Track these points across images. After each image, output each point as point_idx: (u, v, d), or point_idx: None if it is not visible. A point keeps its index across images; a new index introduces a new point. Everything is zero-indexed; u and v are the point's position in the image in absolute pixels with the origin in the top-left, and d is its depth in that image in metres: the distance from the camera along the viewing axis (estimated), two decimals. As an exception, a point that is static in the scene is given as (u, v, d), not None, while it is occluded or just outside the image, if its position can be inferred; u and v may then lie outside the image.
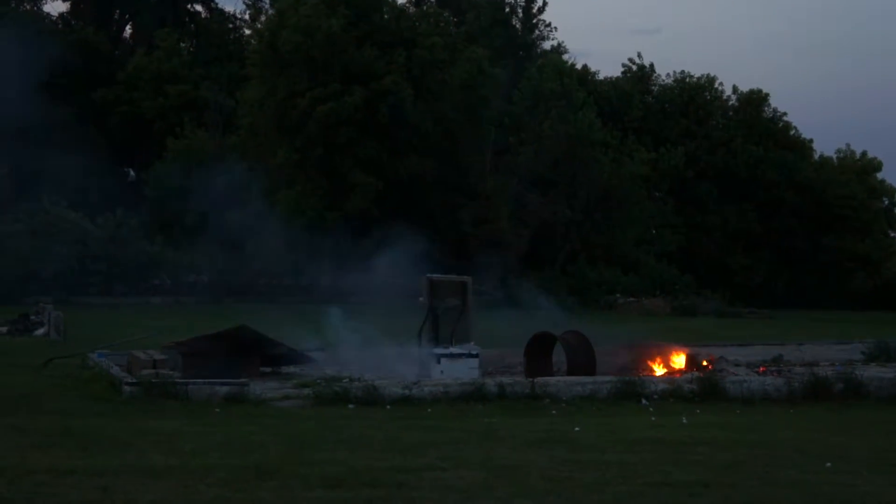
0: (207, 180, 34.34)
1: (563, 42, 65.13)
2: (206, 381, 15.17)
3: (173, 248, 42.81)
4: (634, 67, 61.81)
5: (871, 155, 61.82)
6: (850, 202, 58.17)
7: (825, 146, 72.74)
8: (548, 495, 9.09)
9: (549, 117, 49.80)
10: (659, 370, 18.44)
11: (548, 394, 15.37)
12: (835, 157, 61.98)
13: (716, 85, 60.48)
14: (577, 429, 12.72)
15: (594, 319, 28.91)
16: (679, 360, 18.89)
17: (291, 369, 18.50)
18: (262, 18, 55.34)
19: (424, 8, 55.05)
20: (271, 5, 55.44)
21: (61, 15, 62.31)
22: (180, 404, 14.31)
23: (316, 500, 8.80)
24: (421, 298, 19.57)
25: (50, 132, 51.00)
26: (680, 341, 20.70)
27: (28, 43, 48.05)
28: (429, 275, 20.12)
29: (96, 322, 28.37)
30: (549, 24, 64.56)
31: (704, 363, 18.46)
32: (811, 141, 61.33)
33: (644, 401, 15.35)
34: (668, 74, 61.48)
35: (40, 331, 26.24)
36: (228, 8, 77.22)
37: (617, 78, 61.38)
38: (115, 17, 64.24)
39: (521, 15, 63.66)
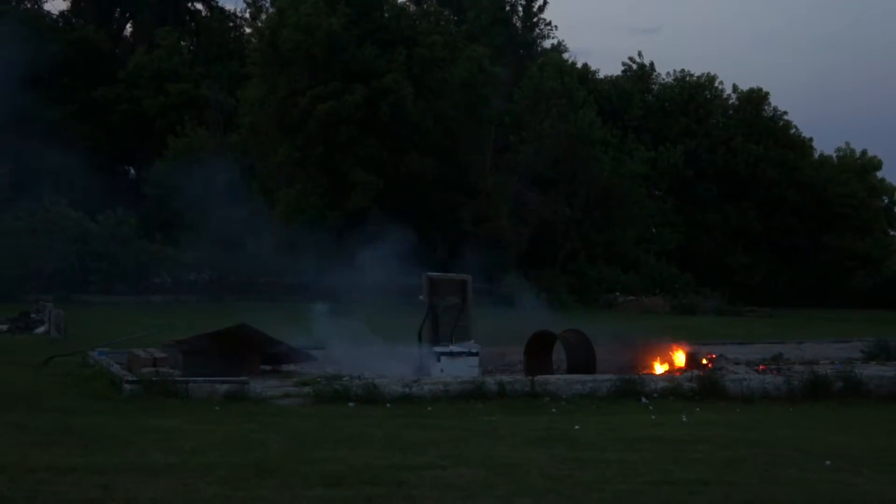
0: (199, 178, 34.34)
1: (563, 41, 65.26)
2: (207, 379, 15.18)
3: (173, 246, 42.82)
4: (634, 66, 61.86)
5: (870, 154, 61.94)
6: (850, 201, 58.20)
7: (825, 145, 73.00)
8: (548, 494, 9.09)
9: (550, 116, 49.81)
10: (659, 368, 18.46)
11: (548, 392, 15.38)
12: (834, 155, 62.05)
13: (716, 84, 60.55)
14: (577, 427, 12.73)
15: (594, 318, 28.91)
16: (679, 359, 18.91)
17: (291, 367, 18.51)
18: (263, 17, 55.32)
19: (425, 6, 55.04)
20: (272, 4, 55.41)
21: (62, 13, 62.36)
22: (180, 402, 14.32)
23: (316, 498, 8.80)
24: (421, 296, 19.58)
25: (51, 130, 51.05)
26: (679, 340, 20.69)
27: (28, 41, 48.09)
28: (428, 273, 20.13)
29: (96, 320, 28.39)
30: (549, 23, 64.70)
31: (704, 362, 18.47)
32: (811, 139, 61.44)
33: (644, 399, 15.37)
34: (668, 73, 61.64)
35: (40, 329, 26.25)
36: (229, 6, 77.46)
37: (617, 77, 61.44)
38: (116, 15, 64.27)
39: (521, 13, 63.70)
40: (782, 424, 13.49)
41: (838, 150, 62.33)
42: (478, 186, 48.29)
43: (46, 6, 61.67)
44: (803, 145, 60.83)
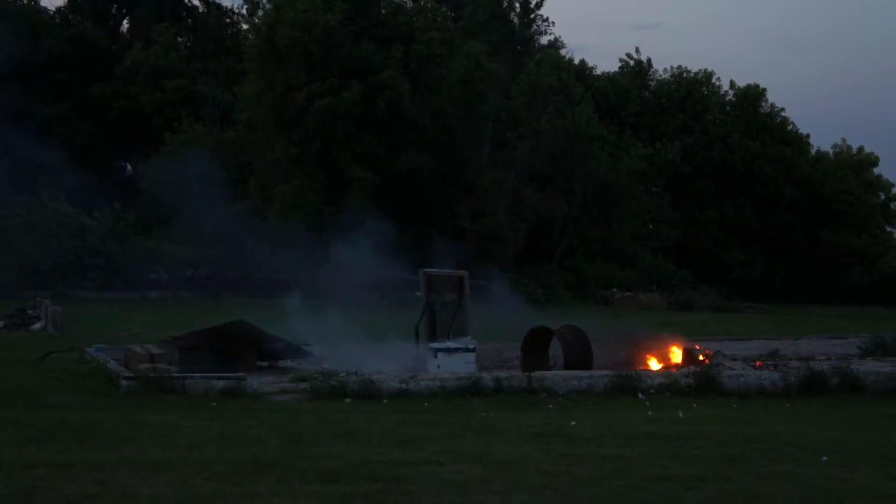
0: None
1: (560, 37, 65.45)
2: (204, 375, 15.18)
3: (170, 242, 42.78)
4: (632, 62, 61.85)
5: (867, 150, 61.98)
6: (847, 197, 58.24)
7: (822, 141, 73.01)
8: (545, 489, 9.10)
9: (547, 112, 49.82)
10: (656, 364, 18.48)
11: (544, 388, 15.39)
12: (831, 152, 62.07)
13: (713, 80, 60.55)
14: (573, 423, 12.74)
15: (590, 314, 28.90)
16: (676, 354, 18.93)
17: (288, 363, 18.50)
18: (260, 13, 55.27)
19: (422, 3, 54.95)
20: (268, 0, 55.38)
21: (59, 9, 62.35)
22: (177, 398, 14.32)
23: (313, 493, 8.80)
24: (418, 293, 19.58)
25: (48, 126, 51.02)
26: (676, 335, 20.71)
27: (25, 37, 48.04)
28: (425, 269, 20.15)
29: (93, 316, 28.38)
30: (546, 19, 64.75)
31: (701, 357, 18.48)
32: (808, 136, 61.46)
33: (641, 395, 15.38)
34: (665, 69, 61.64)
35: (37, 325, 26.25)
36: (226, 3, 77.13)
37: (614, 73, 61.41)
38: (113, 11, 64.25)
39: (518, 10, 63.72)
40: (779, 420, 13.51)
41: (835, 146, 62.40)
42: (475, 183, 48.27)
43: (43, 2, 61.90)
44: (800, 142, 60.85)
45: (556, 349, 18.22)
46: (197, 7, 65.19)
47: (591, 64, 60.81)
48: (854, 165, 60.82)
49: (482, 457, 10.45)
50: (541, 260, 48.69)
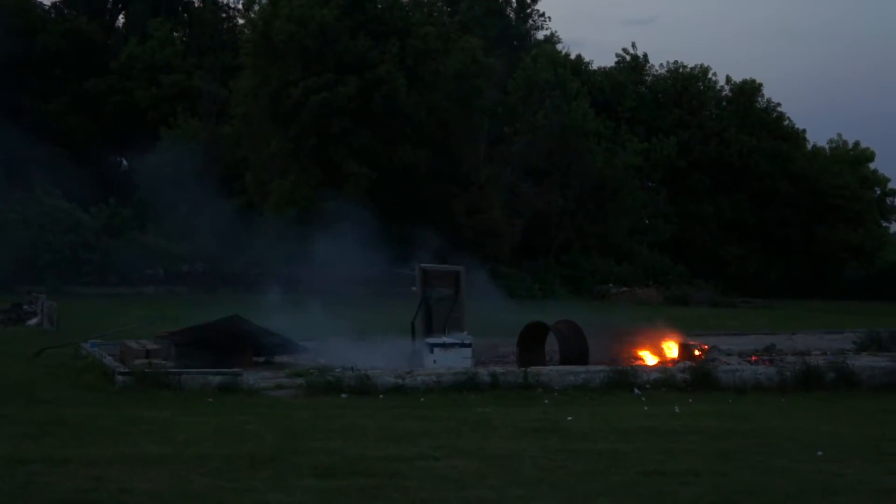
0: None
1: (556, 32, 65.44)
2: (200, 370, 15.19)
3: (166, 238, 42.74)
4: (628, 57, 61.84)
5: (863, 145, 62.08)
6: (843, 192, 58.30)
7: (818, 136, 73.19)
8: (540, 484, 9.10)
9: (543, 107, 49.81)
10: (651, 359, 18.49)
11: (540, 383, 15.40)
12: (827, 147, 62.14)
13: (709, 75, 60.60)
14: (569, 418, 12.74)
15: (585, 309, 28.94)
16: (671, 350, 18.95)
17: (284, 359, 18.50)
18: (256, 8, 55.16)
19: (418, -3, 54.94)
20: (264, -5, 55.29)
21: (54, 4, 62.13)
22: (173, 394, 14.32)
23: (309, 489, 8.80)
24: (414, 288, 19.59)
25: (43, 121, 50.94)
26: (672, 330, 20.72)
27: (21, 32, 47.96)
28: (421, 264, 20.15)
29: (89, 312, 28.35)
30: (542, 14, 64.73)
31: (697, 352, 18.50)
32: (804, 131, 61.56)
33: (637, 390, 15.40)
34: (661, 64, 61.68)
35: (33, 321, 26.23)
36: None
37: (610, 68, 61.40)
38: (108, 6, 64.08)
39: (514, 4, 63.69)
40: (774, 415, 13.53)
41: (831, 141, 62.50)
42: (471, 178, 48.25)
43: (38, -3, 61.32)
44: (796, 137, 60.92)
45: (552, 344, 18.23)
46: (192, 2, 65.04)
47: (587, 59, 60.92)
48: (850, 160, 60.90)
49: (478, 452, 10.45)
50: (537, 255, 48.70)
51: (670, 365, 17.43)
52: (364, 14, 48.07)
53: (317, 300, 20.49)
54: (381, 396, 14.54)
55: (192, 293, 39.18)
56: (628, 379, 15.69)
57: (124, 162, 60.06)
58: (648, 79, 61.27)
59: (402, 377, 15.24)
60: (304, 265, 24.01)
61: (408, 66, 47.21)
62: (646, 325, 20.82)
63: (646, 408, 13.97)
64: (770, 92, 63.22)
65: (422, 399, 14.45)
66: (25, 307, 28.14)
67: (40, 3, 60.63)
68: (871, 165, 61.88)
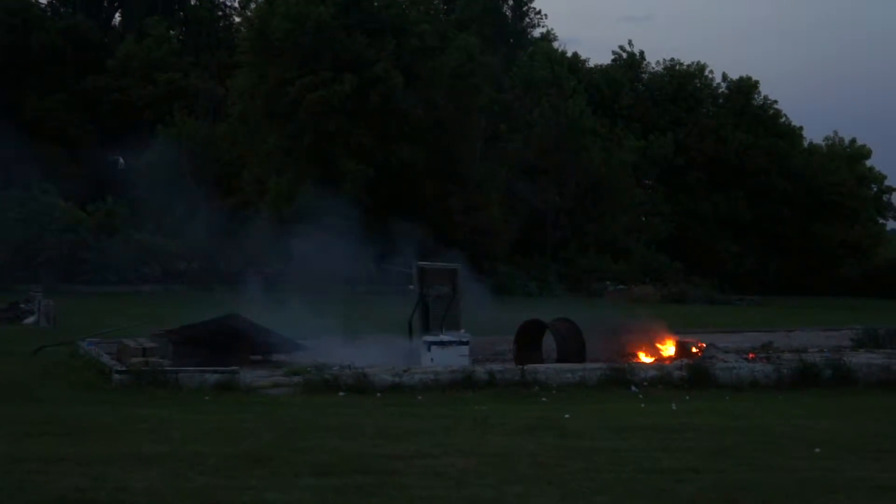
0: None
1: (553, 29, 65.28)
2: (197, 368, 15.18)
3: (163, 236, 42.67)
4: (624, 55, 61.86)
5: (859, 142, 62.11)
6: (840, 189, 58.37)
7: (814, 133, 73.24)
8: (538, 482, 9.11)
9: (540, 105, 49.80)
10: (648, 357, 18.49)
11: (538, 381, 15.40)
12: (824, 144, 62.21)
13: (705, 72, 60.65)
14: (567, 416, 12.74)
15: (581, 306, 28.93)
16: (668, 347, 18.95)
17: (281, 357, 18.50)
18: (252, 6, 55.13)
19: (415, -5, 54.90)
20: (261, -7, 55.25)
21: (50, 2, 62.05)
22: (170, 392, 14.31)
23: (307, 487, 8.80)
24: (411, 286, 19.58)
25: (39, 119, 50.87)
26: (669, 328, 20.72)
27: (17, 30, 47.87)
28: (418, 262, 20.14)
29: (86, 310, 28.29)
30: (539, 12, 64.74)
31: (694, 350, 18.51)
32: (800, 128, 61.64)
33: (634, 388, 15.40)
34: (657, 62, 61.72)
35: (30, 319, 26.18)
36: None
37: (607, 65, 61.42)
38: (105, 4, 64.00)
39: (511, 2, 63.62)
40: (772, 412, 13.54)
41: (827, 138, 62.59)
42: (468, 176, 48.24)
43: (35, -5, 61.23)
44: (793, 134, 60.97)
45: (549, 342, 18.23)
46: (189, 0, 65.00)
47: (583, 56, 61.03)
48: (846, 157, 60.96)
49: (476, 449, 10.45)
50: (534, 253, 48.69)
51: (667, 362, 17.43)
52: (361, 12, 48.04)
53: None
54: (378, 394, 14.54)
55: (189, 291, 39.12)
56: (625, 376, 15.70)
57: (121, 160, 60.03)
58: (645, 76, 61.29)
59: (400, 375, 15.25)
60: (292, 262, 23.97)
61: (404, 63, 47.18)
62: (637, 322, 20.78)
63: (643, 405, 13.98)
64: (766, 89, 63.46)
65: (419, 397, 14.45)
66: (22, 305, 28.08)
67: (37, 0, 60.61)
68: (868, 162, 61.99)
